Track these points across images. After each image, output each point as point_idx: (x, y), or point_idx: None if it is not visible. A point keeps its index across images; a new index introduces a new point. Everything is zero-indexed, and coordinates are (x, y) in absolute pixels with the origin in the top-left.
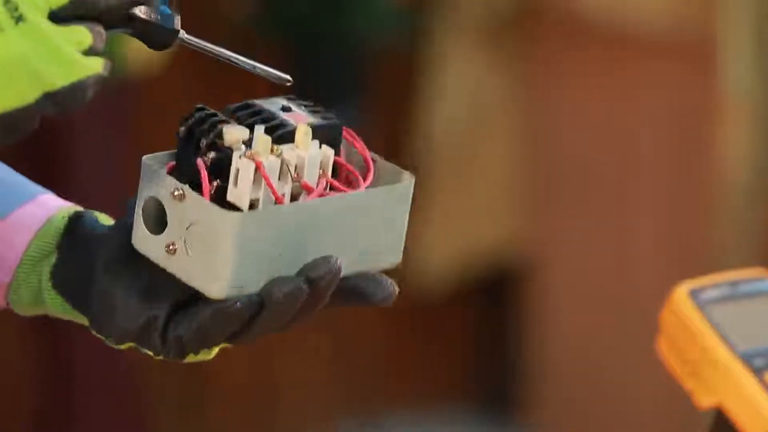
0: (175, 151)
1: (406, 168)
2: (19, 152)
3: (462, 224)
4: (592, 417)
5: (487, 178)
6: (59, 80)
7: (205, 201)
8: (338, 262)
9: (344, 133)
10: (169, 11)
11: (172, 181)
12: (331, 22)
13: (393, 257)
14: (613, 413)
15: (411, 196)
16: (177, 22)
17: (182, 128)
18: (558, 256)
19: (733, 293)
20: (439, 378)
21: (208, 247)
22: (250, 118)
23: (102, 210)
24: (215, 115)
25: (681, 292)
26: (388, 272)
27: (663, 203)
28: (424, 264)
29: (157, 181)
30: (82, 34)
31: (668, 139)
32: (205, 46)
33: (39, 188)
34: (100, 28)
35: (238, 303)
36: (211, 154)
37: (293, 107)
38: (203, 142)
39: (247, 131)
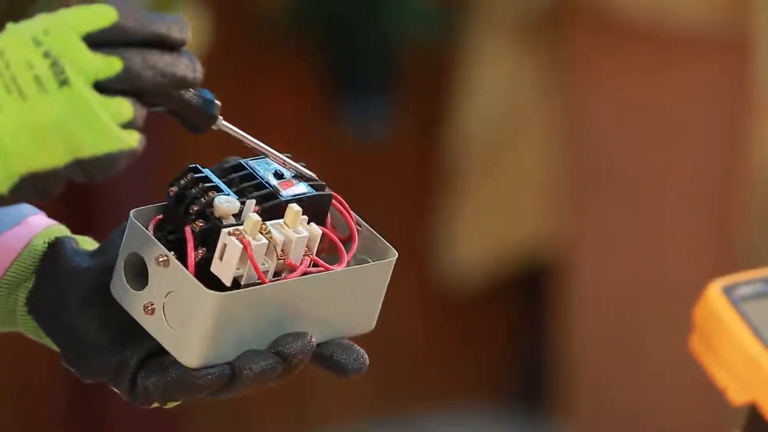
0: (164, 203)
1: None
2: None
3: (495, 221)
4: (625, 413)
5: (521, 175)
6: (92, 149)
7: (188, 274)
8: (312, 339)
9: (334, 200)
10: (210, 96)
11: (158, 246)
12: (366, 18)
13: (367, 325)
14: (646, 410)
15: (391, 270)
16: (217, 108)
17: (173, 188)
18: (591, 253)
19: (767, 290)
20: (472, 374)
21: (185, 319)
22: (242, 183)
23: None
24: (207, 179)
25: (714, 289)
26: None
27: (696, 200)
28: (457, 261)
29: (144, 241)
30: (123, 107)
31: (702, 136)
32: (241, 134)
33: (30, 208)
34: (142, 106)
35: (209, 375)
36: (200, 223)
37: (285, 173)
38: (193, 208)
39: (237, 205)
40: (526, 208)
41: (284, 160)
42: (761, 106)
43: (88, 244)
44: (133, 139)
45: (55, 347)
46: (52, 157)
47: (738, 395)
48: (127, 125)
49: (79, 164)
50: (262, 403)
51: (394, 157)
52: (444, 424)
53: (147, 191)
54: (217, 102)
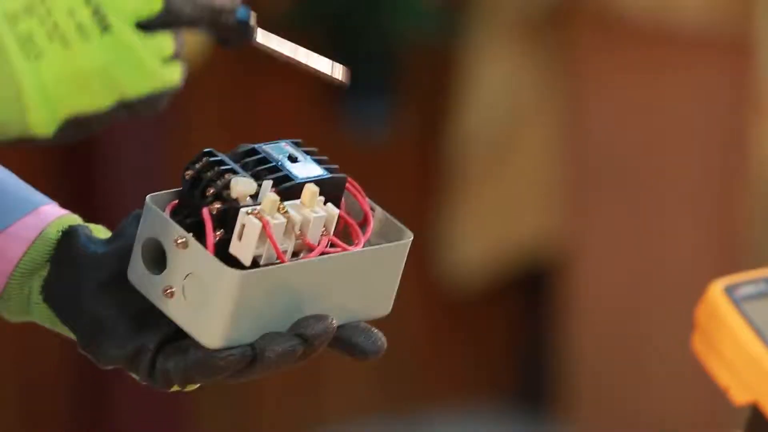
0: (179, 189)
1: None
2: (58, 147)
3: (497, 221)
4: (626, 413)
5: (522, 174)
6: (136, 90)
7: (208, 254)
8: (333, 321)
9: (348, 184)
10: (245, 16)
11: (177, 228)
12: (367, 18)
13: (383, 308)
14: (648, 410)
15: (407, 252)
16: (251, 28)
17: (189, 172)
18: (593, 253)
19: None
20: (473, 374)
21: (205, 299)
22: (257, 166)
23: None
24: (223, 162)
25: (716, 288)
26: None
27: (698, 200)
28: (459, 260)
29: (161, 225)
30: (165, 44)
31: (703, 136)
32: (278, 47)
33: (43, 198)
34: (182, 36)
35: (231, 356)
36: (218, 205)
37: (299, 157)
38: (210, 191)
39: (254, 185)
40: (527, 208)
41: (315, 69)
42: (762, 106)
43: (101, 232)
44: (175, 75)
45: (70, 335)
46: (96, 100)
47: (740, 395)
48: (169, 59)
49: (124, 105)
50: (269, 399)
51: (395, 158)
52: (444, 423)
53: (152, 186)
54: (252, 22)
